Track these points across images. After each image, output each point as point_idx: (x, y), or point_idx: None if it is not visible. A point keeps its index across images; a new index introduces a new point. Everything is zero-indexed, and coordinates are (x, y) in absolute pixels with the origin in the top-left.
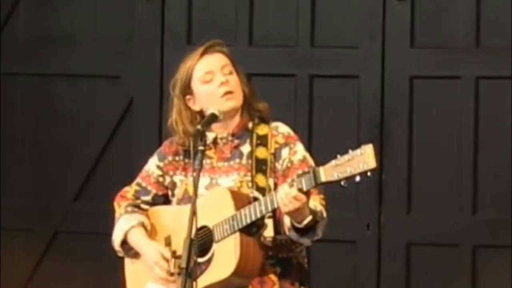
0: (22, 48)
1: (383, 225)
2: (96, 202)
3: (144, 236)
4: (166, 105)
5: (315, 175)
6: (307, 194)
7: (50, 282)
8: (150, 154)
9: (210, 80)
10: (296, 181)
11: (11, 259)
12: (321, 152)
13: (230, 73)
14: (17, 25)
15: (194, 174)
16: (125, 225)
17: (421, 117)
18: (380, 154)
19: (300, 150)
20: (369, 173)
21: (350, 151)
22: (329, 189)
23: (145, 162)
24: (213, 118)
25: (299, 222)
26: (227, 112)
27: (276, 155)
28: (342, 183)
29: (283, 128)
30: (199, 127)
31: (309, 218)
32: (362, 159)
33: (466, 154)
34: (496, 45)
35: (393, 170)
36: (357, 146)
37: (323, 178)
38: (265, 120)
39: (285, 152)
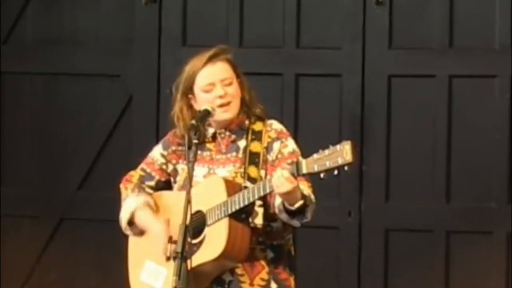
0: (29, 48)
1: (363, 212)
2: (98, 191)
3: (150, 214)
4: (163, 102)
5: (298, 167)
6: (296, 180)
7: (55, 266)
8: (148, 147)
9: (210, 91)
10: (286, 168)
11: (18, 244)
12: (306, 146)
13: (230, 84)
14: (25, 27)
15: (189, 165)
16: (132, 205)
17: (398, 113)
18: (360, 147)
19: (290, 144)
20: (346, 167)
21: (330, 146)
22: (314, 179)
23: (143, 154)
24: (207, 113)
25: (292, 205)
26: (222, 121)
27: (268, 148)
28: (322, 175)
29: (276, 125)
30: (193, 122)
31: (301, 202)
32: (341, 154)
33: (440, 147)
34: (468, 46)
35: (373, 161)
36: (339, 140)
37: (305, 170)
38: (261, 119)
39: (276, 145)
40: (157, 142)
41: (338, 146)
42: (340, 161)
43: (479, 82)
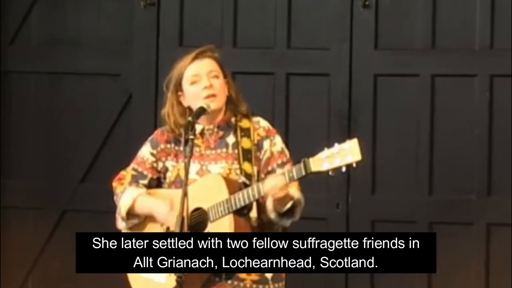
0: (34, 49)
1: (351, 204)
2: (99, 184)
3: (152, 199)
4: (161, 100)
5: (305, 166)
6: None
7: (58, 256)
8: None
9: (197, 82)
10: (287, 171)
11: (23, 235)
12: (297, 141)
13: (215, 77)
14: (30, 29)
15: (186, 160)
16: (134, 192)
17: (384, 110)
18: None
19: (278, 142)
20: (354, 164)
21: (336, 145)
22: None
23: None
24: (202, 111)
25: (282, 208)
26: (210, 112)
27: (258, 145)
28: (330, 172)
29: (263, 123)
30: (189, 118)
31: (290, 204)
32: (350, 152)
33: (423, 142)
34: (450, 47)
35: None
36: (327, 135)
37: (313, 168)
38: (247, 116)
39: (266, 144)
40: None
41: (346, 145)
42: (350, 159)
43: (460, 81)
